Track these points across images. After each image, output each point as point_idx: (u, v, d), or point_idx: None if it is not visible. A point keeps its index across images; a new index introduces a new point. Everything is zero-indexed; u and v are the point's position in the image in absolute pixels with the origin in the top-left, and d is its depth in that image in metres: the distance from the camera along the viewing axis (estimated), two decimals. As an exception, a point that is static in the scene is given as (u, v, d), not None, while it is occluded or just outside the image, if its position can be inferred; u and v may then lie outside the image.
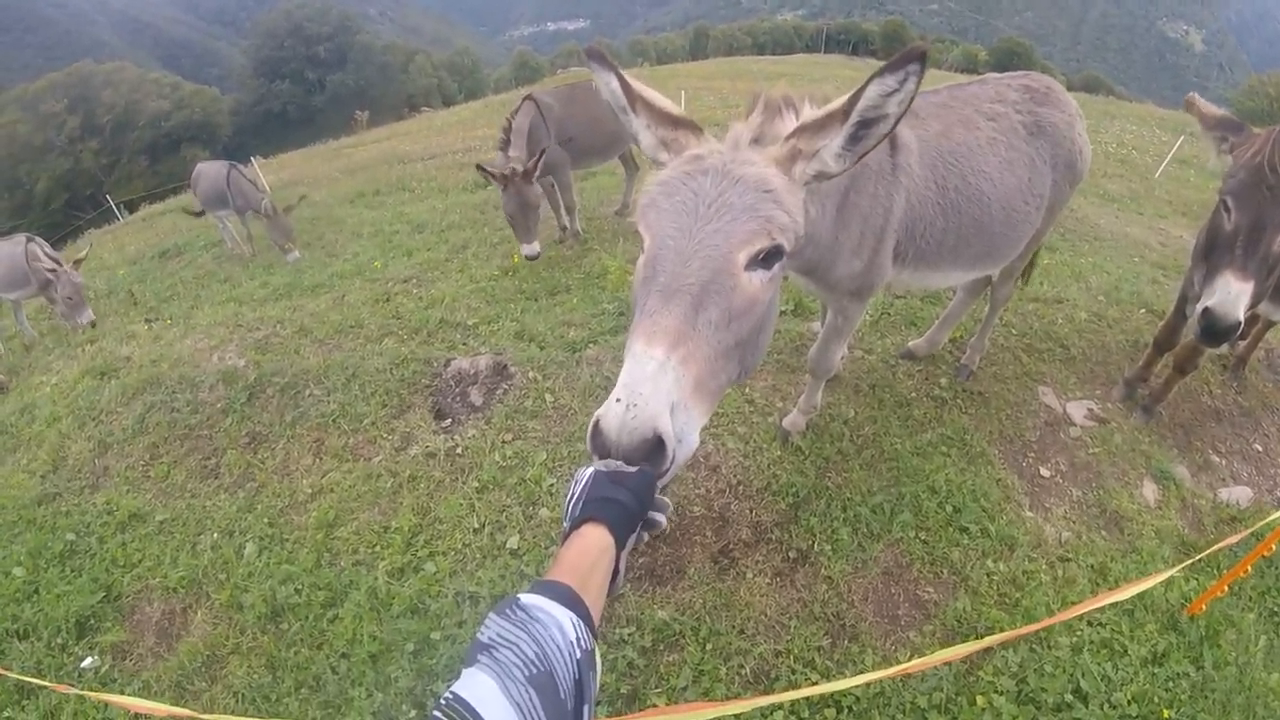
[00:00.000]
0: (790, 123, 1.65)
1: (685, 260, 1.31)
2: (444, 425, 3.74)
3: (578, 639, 0.89)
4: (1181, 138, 14.91)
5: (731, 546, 2.96)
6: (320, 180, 12.90)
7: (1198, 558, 2.61)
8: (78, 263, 6.71)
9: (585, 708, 0.87)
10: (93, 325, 6.32)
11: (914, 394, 3.76)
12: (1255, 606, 2.94)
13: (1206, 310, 2.61)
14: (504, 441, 3.55)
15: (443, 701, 0.77)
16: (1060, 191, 2.98)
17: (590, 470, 1.16)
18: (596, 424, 1.16)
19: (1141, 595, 2.81)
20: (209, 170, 8.78)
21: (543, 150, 5.23)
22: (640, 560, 2.90)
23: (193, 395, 4.20)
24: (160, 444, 3.96)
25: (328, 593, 2.99)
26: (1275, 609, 2.96)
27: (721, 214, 1.35)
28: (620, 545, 1.09)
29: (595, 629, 0.97)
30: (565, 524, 1.12)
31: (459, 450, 3.54)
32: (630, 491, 1.10)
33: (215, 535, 3.38)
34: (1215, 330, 2.59)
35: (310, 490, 3.55)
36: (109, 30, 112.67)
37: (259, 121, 51.11)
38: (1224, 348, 3.49)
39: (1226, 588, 2.75)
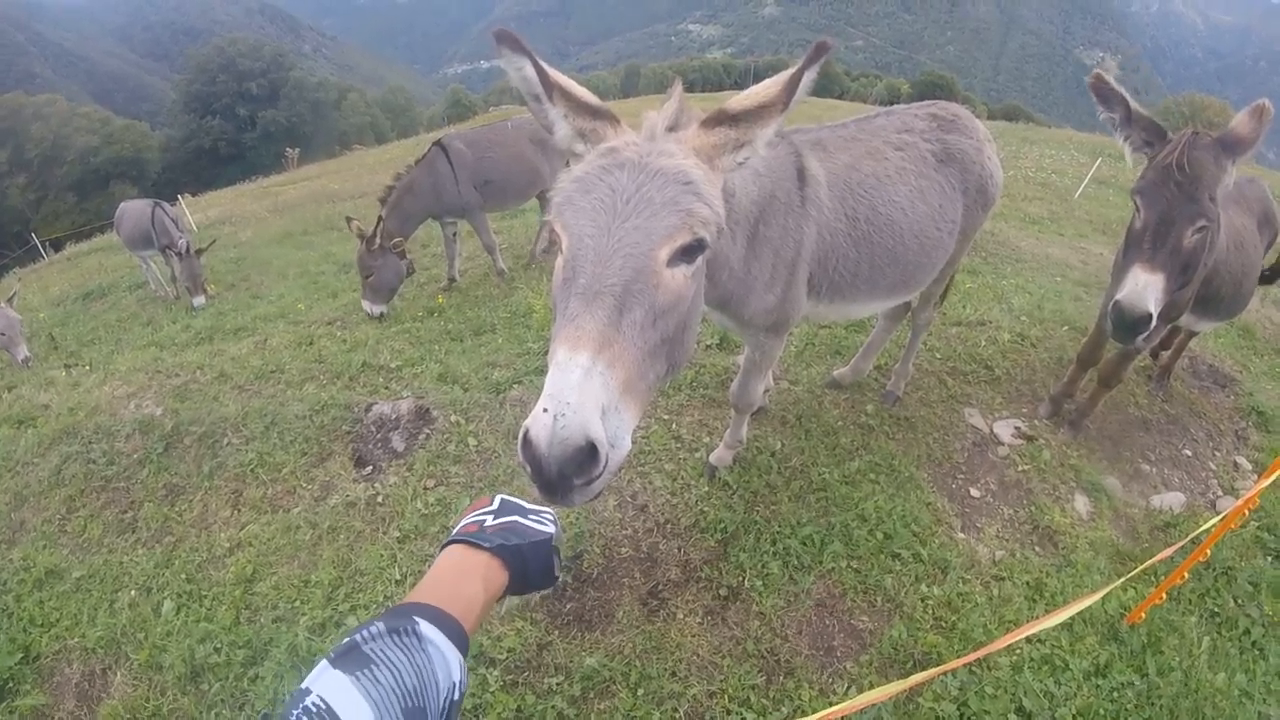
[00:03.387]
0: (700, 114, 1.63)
1: (605, 260, 1.27)
2: (365, 473, 3.62)
3: (458, 683, 0.86)
4: (1100, 159, 15.60)
5: (661, 587, 2.89)
6: (249, 219, 12.65)
7: (1138, 570, 2.62)
8: (9, 300, 6.52)
9: None
10: (28, 364, 6.11)
11: (841, 423, 3.77)
12: (1195, 609, 2.99)
13: (1116, 303, 2.67)
14: (426, 488, 3.44)
15: (310, 705, 0.73)
16: (973, 216, 3.02)
17: (500, 498, 1.17)
18: (525, 434, 1.13)
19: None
20: (133, 209, 8.53)
21: (379, 219, 5.38)
22: (568, 606, 2.82)
23: (109, 445, 4.01)
24: (77, 496, 3.77)
25: (248, 651, 2.86)
26: (1216, 610, 3.01)
27: (641, 210, 1.31)
28: (507, 593, 1.09)
29: None
30: (484, 543, 1.06)
31: (380, 499, 3.41)
32: (535, 554, 1.10)
33: (133, 592, 3.22)
34: (1124, 322, 2.65)
35: (228, 544, 3.40)
36: (41, 62, 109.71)
37: (189, 158, 49.92)
38: (1143, 349, 3.57)
39: (1165, 594, 2.78)
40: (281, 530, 3.37)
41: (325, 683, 0.76)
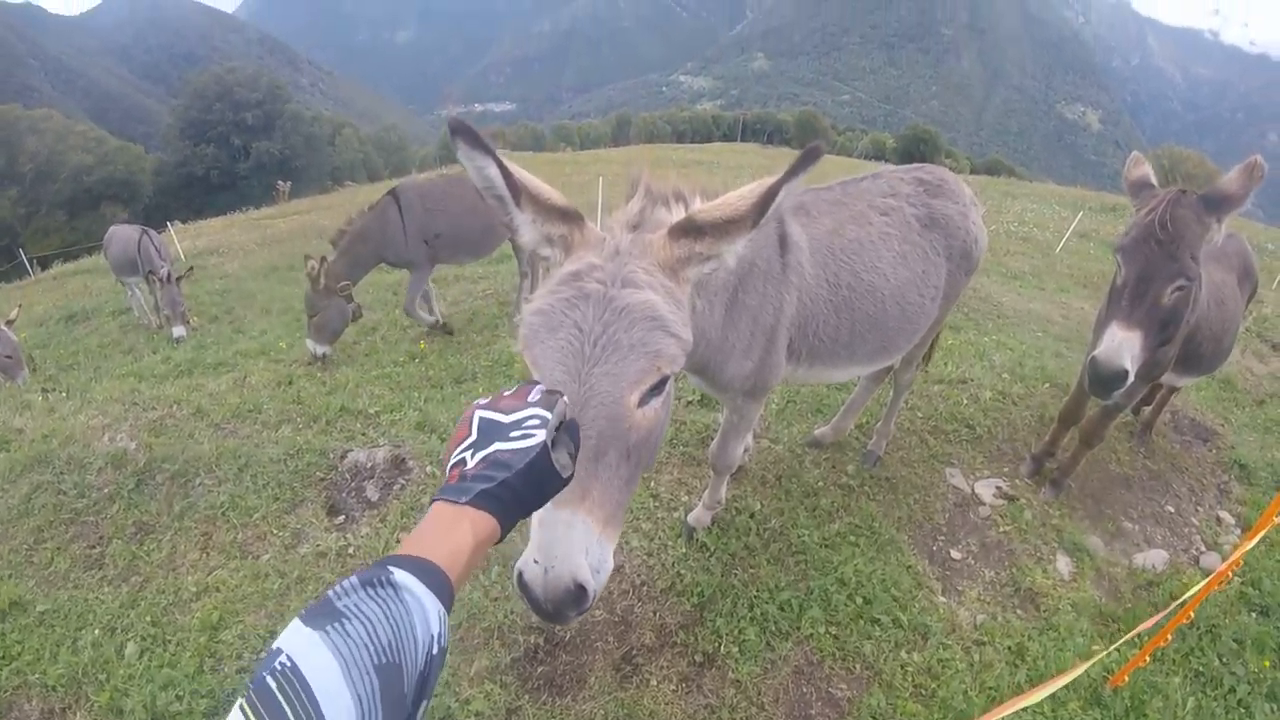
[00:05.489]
0: (678, 213, 1.59)
1: (578, 409, 1.28)
2: (337, 522, 3.54)
3: (438, 635, 0.80)
4: (1080, 213, 15.91)
5: (634, 652, 2.82)
6: (236, 250, 12.63)
7: (1125, 639, 2.60)
8: (9, 323, 6.36)
9: (423, 704, 0.79)
10: (25, 383, 5.98)
11: (821, 483, 3.74)
12: (1179, 669, 2.97)
13: (1092, 359, 2.70)
14: (398, 541, 3.36)
15: (277, 665, 0.68)
16: (956, 281, 3.03)
17: (478, 418, 1.06)
18: (520, 577, 1.24)
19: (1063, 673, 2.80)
20: (121, 234, 8.52)
21: (322, 258, 5.40)
22: (538, 669, 2.74)
23: (80, 477, 3.91)
24: (45, 527, 3.66)
25: (210, 701, 2.76)
26: (1200, 669, 2.99)
27: (609, 354, 1.30)
28: (504, 533, 1.01)
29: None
30: (462, 498, 0.97)
31: (351, 550, 3.34)
32: (524, 480, 1.00)
33: (97, 631, 3.12)
34: (1100, 377, 2.67)
35: (195, 588, 3.30)
36: (40, 75, 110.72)
37: (181, 183, 49.85)
38: (1125, 408, 3.58)
39: (1148, 657, 2.76)
40: (250, 577, 3.28)
41: (294, 641, 0.71)
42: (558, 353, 1.32)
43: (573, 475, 1.08)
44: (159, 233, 9.14)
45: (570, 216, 1.48)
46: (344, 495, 3.69)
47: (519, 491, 0.99)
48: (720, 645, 2.84)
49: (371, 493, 3.68)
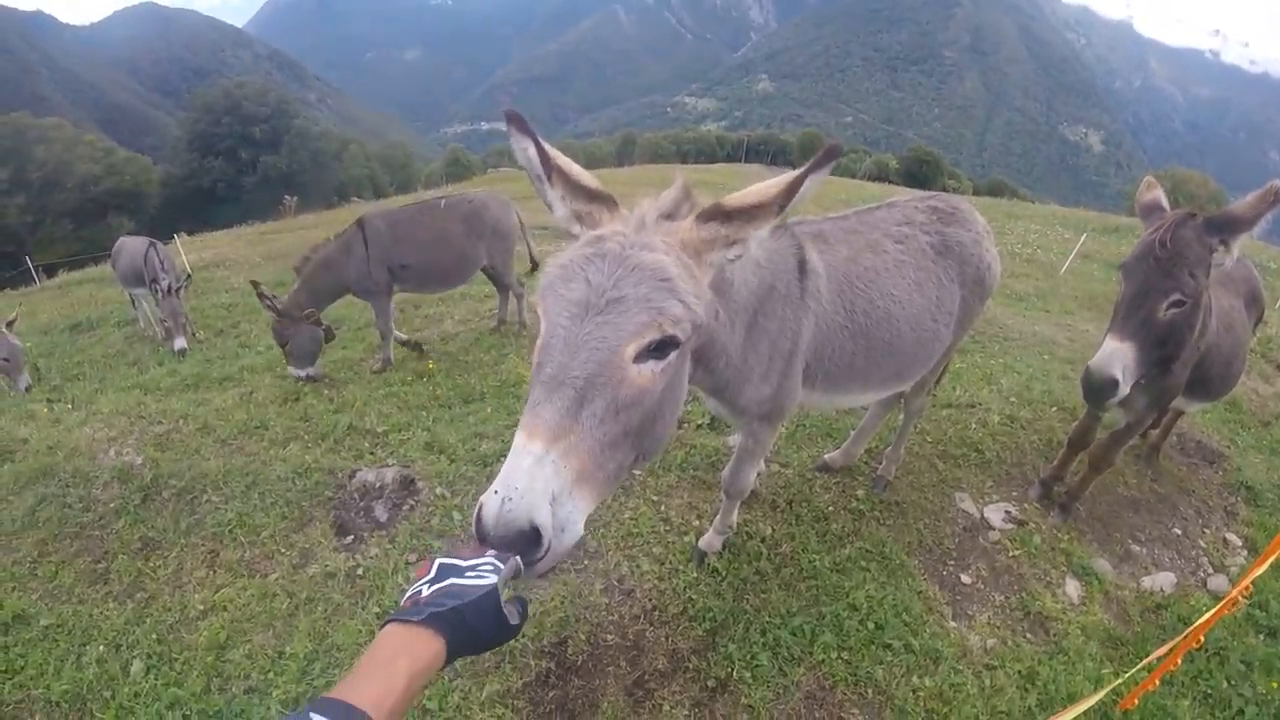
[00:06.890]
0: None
1: (573, 351, 1.30)
2: (345, 542, 3.52)
3: None
4: (1085, 234, 15.93)
5: (647, 677, 2.81)
6: (242, 264, 12.61)
7: (1140, 666, 2.59)
8: (9, 324, 6.28)
9: None
10: (29, 391, 5.93)
11: (831, 507, 3.74)
12: (1189, 693, 2.96)
13: (1086, 368, 2.77)
14: (408, 562, 3.36)
15: None
16: (969, 307, 3.05)
17: (438, 563, 1.14)
18: (479, 510, 1.19)
19: (1072, 697, 2.79)
20: (130, 245, 8.48)
21: (260, 293, 5.34)
22: (550, 694, 2.72)
23: (86, 491, 3.90)
24: (50, 540, 3.64)
25: (217, 722, 2.70)
26: (1209, 691, 2.98)
27: (614, 305, 1.33)
28: (451, 659, 1.04)
29: None
30: (415, 616, 1.02)
31: (360, 571, 3.32)
32: (474, 611, 1.05)
33: (102, 647, 3.09)
34: (1091, 385, 2.75)
35: (202, 606, 3.28)
36: (50, 85, 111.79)
37: (188, 196, 50.24)
38: (1135, 433, 3.60)
39: (1158, 681, 2.75)
40: (257, 597, 3.26)
41: None
42: (566, 300, 1.36)
43: (521, 625, 1.12)
44: (165, 244, 9.14)
45: (599, 197, 1.57)
46: (352, 515, 3.68)
47: (468, 620, 1.03)
48: (733, 671, 2.82)
49: (380, 513, 3.68)
